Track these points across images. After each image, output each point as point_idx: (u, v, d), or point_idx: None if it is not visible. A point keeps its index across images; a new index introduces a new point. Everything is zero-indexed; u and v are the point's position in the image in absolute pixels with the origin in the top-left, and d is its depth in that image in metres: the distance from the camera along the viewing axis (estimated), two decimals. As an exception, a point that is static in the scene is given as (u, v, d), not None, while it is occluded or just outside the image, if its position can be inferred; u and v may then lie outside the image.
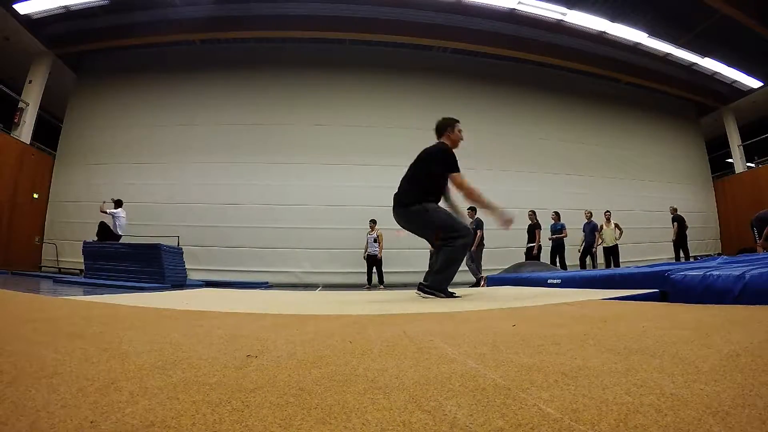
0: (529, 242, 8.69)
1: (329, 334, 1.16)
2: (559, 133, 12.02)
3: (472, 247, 7.84)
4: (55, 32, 9.97)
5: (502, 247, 9.40)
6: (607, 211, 9.44)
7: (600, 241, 9.30)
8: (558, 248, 8.78)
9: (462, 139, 3.14)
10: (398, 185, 3.09)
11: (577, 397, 0.56)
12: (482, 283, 7.31)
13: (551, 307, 1.84)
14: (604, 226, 9.33)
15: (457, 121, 3.15)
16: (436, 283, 2.84)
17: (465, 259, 7.94)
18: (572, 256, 9.19)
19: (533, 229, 8.58)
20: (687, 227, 10.04)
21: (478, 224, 7.85)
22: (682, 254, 9.88)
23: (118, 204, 8.33)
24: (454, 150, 3.04)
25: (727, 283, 1.86)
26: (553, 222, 9.02)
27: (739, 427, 0.44)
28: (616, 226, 9.24)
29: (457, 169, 2.94)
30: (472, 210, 7.93)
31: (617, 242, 9.19)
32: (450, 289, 2.89)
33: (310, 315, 1.72)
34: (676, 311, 1.53)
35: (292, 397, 0.58)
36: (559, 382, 0.63)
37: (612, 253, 9.13)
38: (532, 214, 8.66)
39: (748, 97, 12.64)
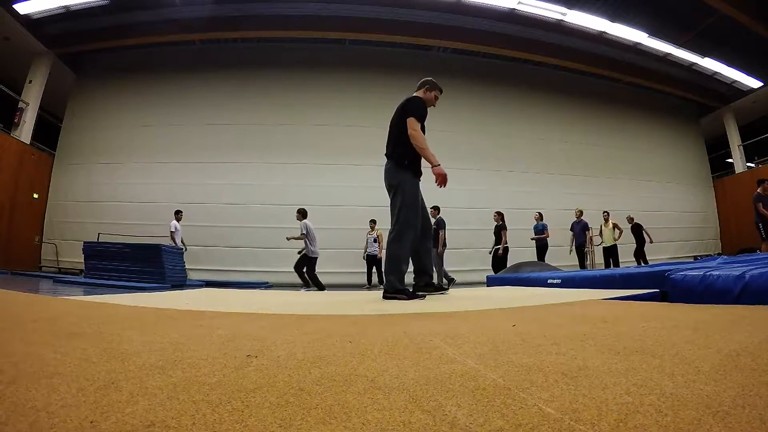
0: (495, 244, 8.40)
1: (329, 334, 1.16)
2: (559, 133, 12.02)
3: (438, 248, 7.66)
4: (55, 32, 9.97)
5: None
6: (605, 212, 9.29)
7: (600, 240, 9.25)
8: (541, 249, 8.52)
9: (434, 103, 3.14)
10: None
11: (577, 397, 0.55)
12: (450, 285, 7.18)
13: (551, 307, 1.83)
14: (603, 227, 9.24)
15: (438, 88, 3.17)
16: (389, 285, 2.73)
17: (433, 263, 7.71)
18: (560, 257, 8.96)
19: (499, 231, 8.30)
20: (644, 236, 9.59)
21: (440, 224, 7.59)
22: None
23: (176, 216, 8.12)
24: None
25: (727, 283, 1.86)
26: (535, 222, 8.77)
27: (739, 427, 0.44)
28: (615, 226, 9.10)
29: (416, 116, 2.89)
30: (435, 209, 7.77)
31: (616, 242, 9.06)
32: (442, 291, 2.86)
33: (310, 315, 1.72)
34: (676, 311, 1.53)
35: (292, 397, 0.58)
36: (559, 382, 0.63)
37: (611, 253, 9.01)
38: (498, 216, 8.37)
39: (748, 97, 12.64)
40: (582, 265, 8.85)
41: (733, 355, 0.76)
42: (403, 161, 2.87)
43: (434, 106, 3.17)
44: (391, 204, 2.92)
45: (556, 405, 0.52)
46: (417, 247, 2.97)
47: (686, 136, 13.88)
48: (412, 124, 2.86)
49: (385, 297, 2.73)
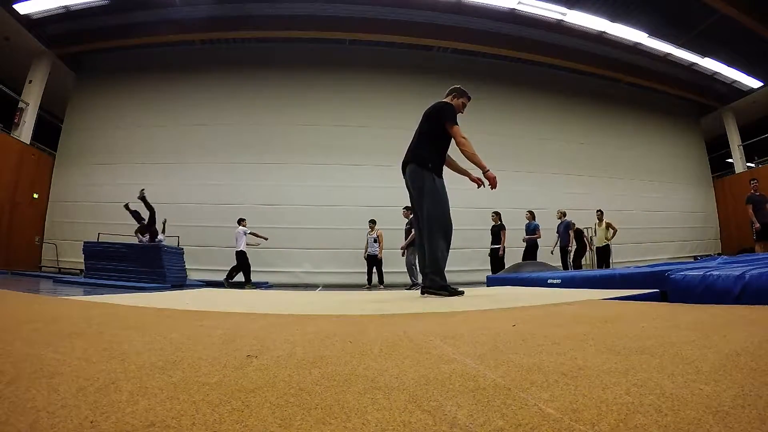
0: (493, 244, 8.26)
1: (329, 334, 1.16)
2: (559, 133, 12.02)
3: (406, 247, 7.57)
4: (55, 32, 9.97)
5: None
6: (599, 211, 9.10)
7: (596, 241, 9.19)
8: (531, 249, 8.27)
9: (462, 110, 3.18)
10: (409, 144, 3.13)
11: (577, 397, 0.55)
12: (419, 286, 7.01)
13: (551, 307, 1.83)
14: (597, 226, 9.12)
15: (467, 96, 3.19)
16: (431, 283, 2.86)
17: (405, 261, 7.59)
18: (547, 257, 8.92)
19: (498, 231, 8.16)
20: (584, 241, 9.05)
21: (413, 224, 7.50)
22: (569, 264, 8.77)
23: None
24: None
25: (727, 283, 1.86)
26: (527, 221, 8.52)
27: (739, 427, 0.44)
28: (609, 225, 8.84)
29: (453, 121, 2.95)
30: (407, 209, 7.69)
31: (608, 242, 8.85)
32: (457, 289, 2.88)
33: (310, 315, 1.72)
34: (676, 311, 1.53)
35: (292, 397, 0.58)
36: (559, 382, 0.63)
37: (603, 253, 8.84)
38: (496, 216, 8.27)
39: (748, 97, 12.65)
40: (565, 266, 8.57)
41: (733, 355, 0.76)
42: (427, 164, 2.94)
43: (462, 113, 3.18)
44: (417, 206, 3.00)
45: (556, 405, 0.52)
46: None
47: (686, 136, 13.88)
48: (458, 132, 2.94)
49: (425, 293, 2.87)
